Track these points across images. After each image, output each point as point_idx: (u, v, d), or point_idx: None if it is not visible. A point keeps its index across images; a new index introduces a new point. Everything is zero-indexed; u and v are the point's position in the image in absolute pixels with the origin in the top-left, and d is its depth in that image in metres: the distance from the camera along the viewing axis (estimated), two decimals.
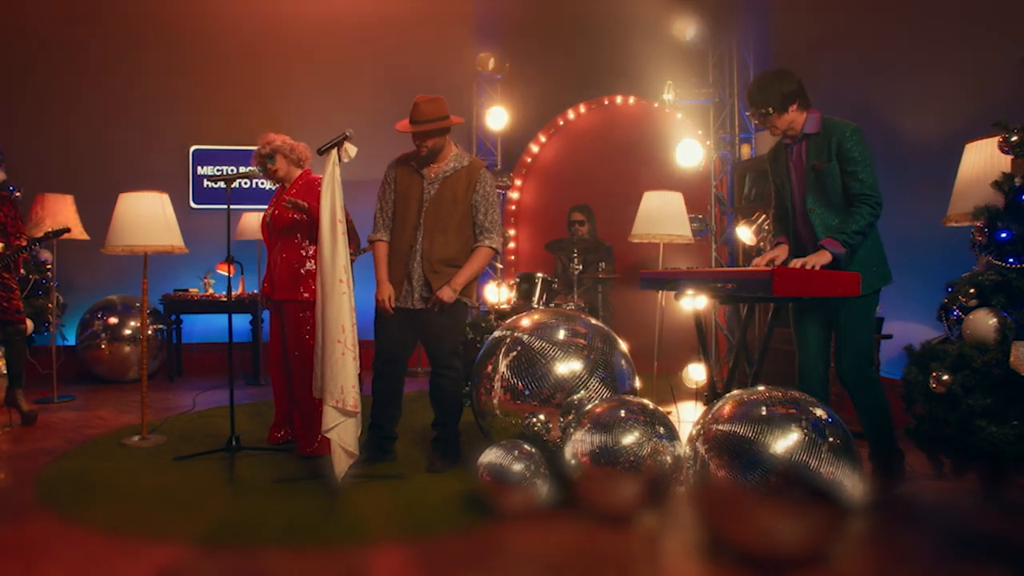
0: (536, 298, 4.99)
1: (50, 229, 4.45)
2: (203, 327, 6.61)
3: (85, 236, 5.22)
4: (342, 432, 3.02)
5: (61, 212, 5.05)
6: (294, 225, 3.61)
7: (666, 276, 3.07)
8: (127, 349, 5.80)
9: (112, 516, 2.74)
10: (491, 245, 3.41)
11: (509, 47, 6.50)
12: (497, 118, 6.38)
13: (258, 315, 6.10)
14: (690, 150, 5.27)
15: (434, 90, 3.38)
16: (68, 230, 4.48)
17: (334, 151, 3.06)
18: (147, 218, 3.85)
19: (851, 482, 2.20)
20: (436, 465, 3.35)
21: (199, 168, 6.54)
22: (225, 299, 6.00)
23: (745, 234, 3.93)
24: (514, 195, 6.81)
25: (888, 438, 2.84)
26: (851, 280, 2.53)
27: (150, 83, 6.46)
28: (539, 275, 5.03)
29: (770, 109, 2.86)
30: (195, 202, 6.55)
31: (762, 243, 3.89)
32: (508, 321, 3.47)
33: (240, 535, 2.57)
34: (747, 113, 2.96)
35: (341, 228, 3.04)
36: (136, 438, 3.90)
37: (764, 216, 3.94)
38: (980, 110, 3.95)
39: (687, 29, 5.30)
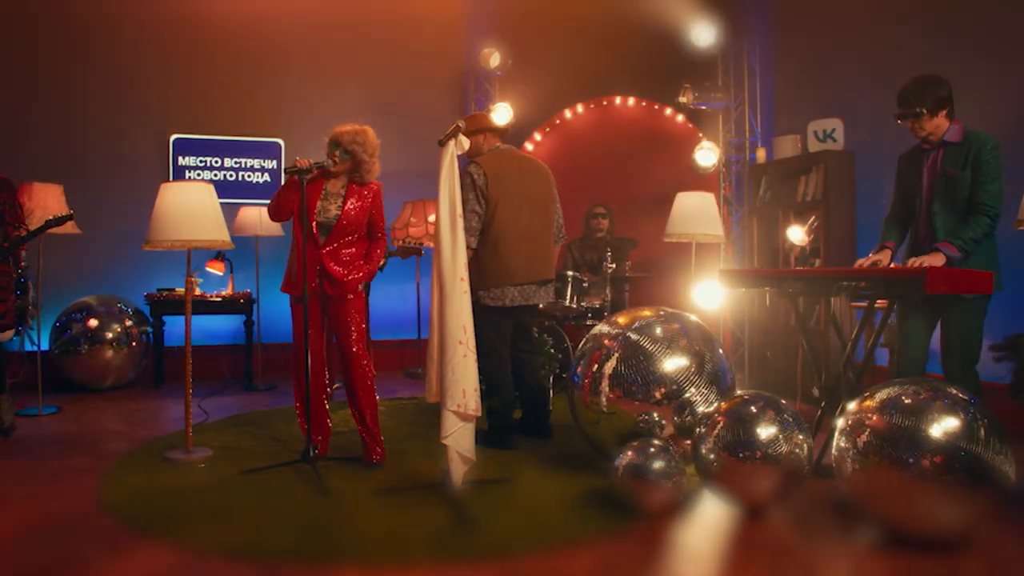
0: (568, 297, 4.98)
1: (52, 217, 3.98)
2: (183, 329, 6.09)
3: (77, 230, 4.70)
4: (459, 438, 2.90)
5: (51, 202, 4.51)
6: (360, 227, 3.44)
7: (781, 275, 3.13)
8: (109, 354, 5.27)
9: (231, 540, 2.50)
10: None
11: (511, 43, 6.41)
12: (501, 115, 6.29)
13: (251, 316, 5.72)
14: (707, 153, 5.42)
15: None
16: (72, 216, 4.02)
17: (451, 143, 2.92)
18: (194, 211, 3.51)
19: (1008, 466, 2.37)
20: None
21: (180, 158, 6.03)
22: (219, 299, 5.58)
23: (797, 234, 4.09)
24: None
25: None
26: (989, 279, 2.69)
27: (130, 68, 5.89)
28: (570, 273, 5.02)
29: (924, 110, 2.96)
30: None
31: (809, 244, 4.06)
32: (605, 319, 3.45)
33: (385, 553, 2.40)
34: (896, 113, 3.04)
35: (460, 224, 2.91)
36: (180, 451, 3.57)
37: (814, 217, 4.12)
38: (983, 121, 4.31)
39: (702, 34, 5.44)
